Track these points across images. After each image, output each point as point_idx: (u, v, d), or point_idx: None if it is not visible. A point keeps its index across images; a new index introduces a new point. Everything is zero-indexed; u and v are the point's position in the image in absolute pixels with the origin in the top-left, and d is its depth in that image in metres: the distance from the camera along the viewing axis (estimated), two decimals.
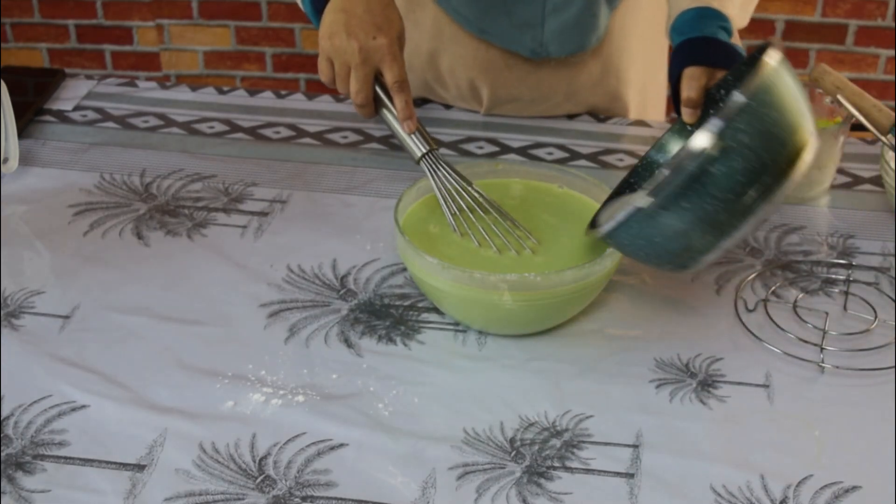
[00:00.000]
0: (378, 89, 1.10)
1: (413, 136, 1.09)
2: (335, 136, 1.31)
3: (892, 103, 2.42)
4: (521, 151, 1.29)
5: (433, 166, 1.06)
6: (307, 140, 1.31)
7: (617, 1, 1.29)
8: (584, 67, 1.33)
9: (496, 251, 0.99)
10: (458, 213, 1.02)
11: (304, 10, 1.16)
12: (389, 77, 1.08)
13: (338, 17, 1.08)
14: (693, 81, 1.01)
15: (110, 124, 1.33)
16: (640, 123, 1.36)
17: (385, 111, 1.11)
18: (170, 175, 1.22)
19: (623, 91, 1.36)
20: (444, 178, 1.04)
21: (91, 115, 1.35)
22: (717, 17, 1.04)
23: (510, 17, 1.26)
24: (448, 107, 1.38)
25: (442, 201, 1.03)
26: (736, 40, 1.08)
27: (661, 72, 1.42)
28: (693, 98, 1.01)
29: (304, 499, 0.83)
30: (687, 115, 1.02)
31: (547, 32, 1.27)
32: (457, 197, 1.03)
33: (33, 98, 1.35)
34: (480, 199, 1.03)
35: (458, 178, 1.05)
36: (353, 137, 1.31)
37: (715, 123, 0.83)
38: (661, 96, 1.45)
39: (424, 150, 1.08)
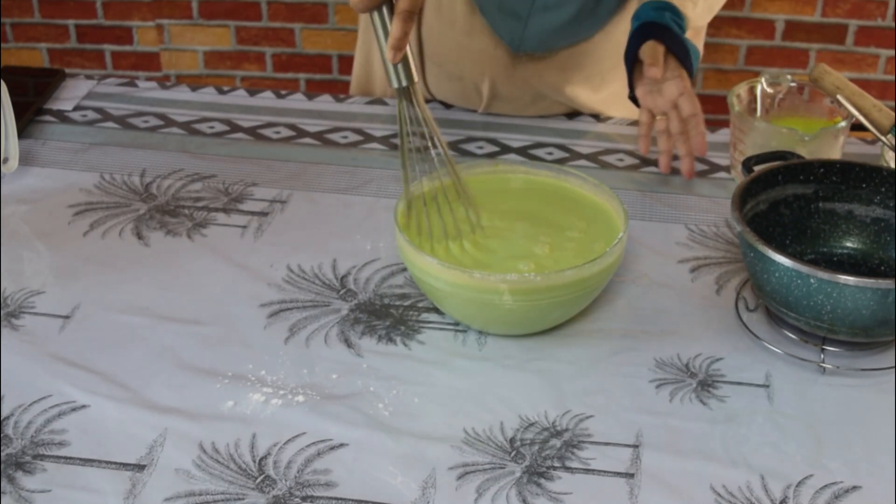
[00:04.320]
0: (385, 7, 1.00)
1: (395, 66, 1.00)
2: (335, 136, 1.31)
3: (892, 103, 2.41)
4: (521, 151, 1.29)
5: (407, 102, 1.00)
6: (307, 140, 1.31)
7: (603, 21, 1.30)
8: (553, 63, 1.33)
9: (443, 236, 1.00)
10: (410, 163, 1.00)
11: None
12: (402, 3, 0.98)
13: None
14: (652, 50, 1.16)
15: (110, 124, 1.33)
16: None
17: (379, 24, 1.00)
18: (170, 175, 1.22)
19: (589, 95, 1.36)
20: (409, 119, 1.00)
21: (91, 115, 1.35)
22: (673, 12, 1.18)
23: (501, 1, 1.26)
24: (448, 106, 1.38)
25: (402, 147, 1.00)
26: (692, 37, 1.24)
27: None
28: (657, 59, 1.15)
29: (304, 499, 0.82)
30: (654, 71, 1.15)
31: (528, 29, 1.28)
32: (416, 146, 1.00)
33: (33, 98, 1.35)
34: (443, 158, 1.00)
35: (425, 122, 1.00)
36: (353, 137, 1.31)
37: None
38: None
39: (402, 84, 1.00)
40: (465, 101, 1.38)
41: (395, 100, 1.39)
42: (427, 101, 1.39)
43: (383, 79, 1.43)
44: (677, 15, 1.18)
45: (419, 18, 1.34)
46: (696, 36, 1.35)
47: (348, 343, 0.98)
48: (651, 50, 1.16)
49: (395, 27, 0.99)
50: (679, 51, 1.17)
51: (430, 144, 1.01)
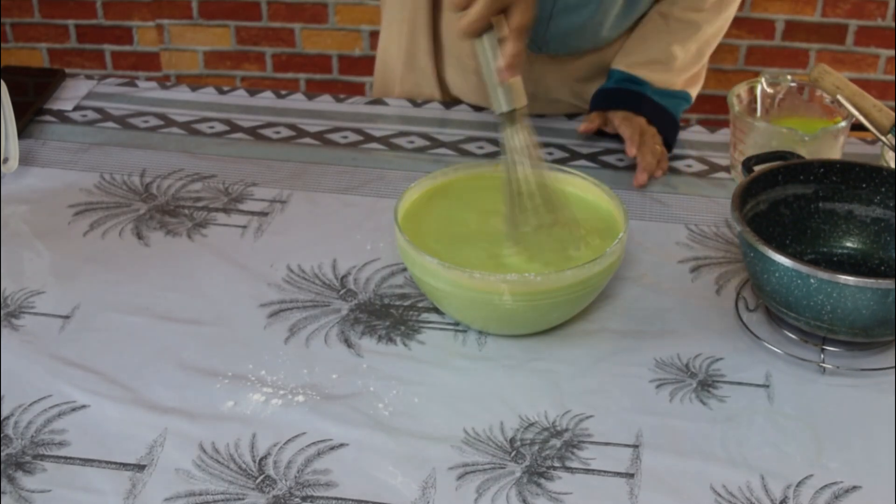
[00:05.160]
0: (489, 31, 0.98)
1: (503, 86, 0.98)
2: (335, 136, 1.31)
3: (892, 103, 2.42)
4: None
5: (511, 128, 0.99)
6: (307, 140, 1.31)
7: (625, 23, 1.30)
8: (577, 66, 1.34)
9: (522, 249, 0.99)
10: (511, 193, 0.99)
11: None
12: (517, 19, 0.96)
13: None
14: (593, 117, 1.29)
15: (110, 124, 1.33)
16: None
17: (486, 47, 0.98)
18: (170, 175, 1.22)
19: None
20: (515, 148, 0.99)
21: (91, 115, 1.35)
22: (634, 81, 1.28)
23: None
24: (448, 106, 1.38)
25: (505, 173, 1.00)
26: (687, 79, 1.33)
27: None
28: (589, 125, 1.28)
29: (304, 499, 0.83)
30: (585, 126, 1.28)
31: (550, 30, 1.28)
32: (518, 176, 0.99)
33: (33, 98, 1.35)
34: (541, 185, 0.99)
35: (529, 152, 0.99)
36: (353, 137, 1.31)
37: None
38: None
39: (506, 109, 0.98)
40: (483, 98, 1.37)
41: (397, 100, 1.40)
42: (437, 100, 1.39)
43: (401, 80, 1.42)
44: (636, 81, 1.28)
45: (437, 13, 1.35)
46: (692, 76, 1.35)
47: (348, 343, 0.98)
48: (595, 116, 1.28)
49: (510, 45, 0.97)
50: (627, 104, 1.27)
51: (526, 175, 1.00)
